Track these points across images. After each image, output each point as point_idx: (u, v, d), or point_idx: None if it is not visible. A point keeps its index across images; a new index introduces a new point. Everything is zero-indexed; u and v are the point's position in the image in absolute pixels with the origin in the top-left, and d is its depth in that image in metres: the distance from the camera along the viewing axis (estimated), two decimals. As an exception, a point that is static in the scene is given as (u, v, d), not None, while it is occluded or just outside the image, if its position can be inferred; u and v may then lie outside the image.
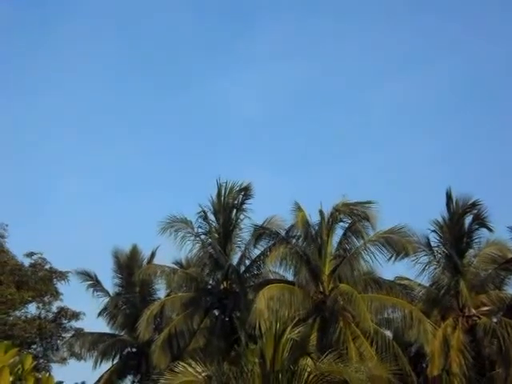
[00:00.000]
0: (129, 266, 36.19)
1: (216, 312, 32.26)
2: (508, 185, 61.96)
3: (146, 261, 36.49)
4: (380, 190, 69.82)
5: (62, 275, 37.13)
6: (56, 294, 37.23)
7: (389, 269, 30.95)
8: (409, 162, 74.59)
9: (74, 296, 42.80)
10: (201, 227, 32.50)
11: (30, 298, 36.02)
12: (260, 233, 30.50)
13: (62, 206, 72.20)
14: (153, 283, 35.76)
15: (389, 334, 28.50)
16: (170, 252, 35.54)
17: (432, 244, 29.91)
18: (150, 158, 78.80)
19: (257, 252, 31.55)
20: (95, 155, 77.01)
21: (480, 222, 29.19)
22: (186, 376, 20.08)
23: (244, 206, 32.67)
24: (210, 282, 32.89)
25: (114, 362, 35.37)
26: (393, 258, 28.46)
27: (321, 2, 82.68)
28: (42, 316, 37.08)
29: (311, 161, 77.34)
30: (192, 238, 32.09)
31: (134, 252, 36.69)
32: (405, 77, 79.44)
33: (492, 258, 29.71)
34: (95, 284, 36.23)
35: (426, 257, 29.54)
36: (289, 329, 19.97)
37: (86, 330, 36.77)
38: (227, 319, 31.66)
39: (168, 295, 34.06)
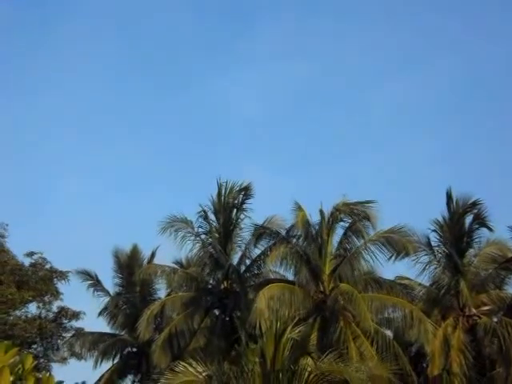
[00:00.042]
0: (129, 265, 36.21)
1: (216, 312, 32.27)
2: (508, 185, 61.98)
3: (146, 260, 36.51)
4: (380, 190, 69.94)
5: (63, 275, 37.12)
6: (56, 294, 37.22)
7: (389, 268, 31.06)
8: (409, 161, 74.68)
9: (74, 296, 42.86)
10: (201, 227, 32.54)
11: (30, 298, 36.01)
12: (260, 232, 30.51)
13: (62, 205, 72.27)
14: (153, 283, 35.79)
15: (389, 333, 28.49)
16: (170, 252, 35.58)
17: (432, 244, 29.92)
18: (150, 157, 78.88)
19: (257, 252, 31.61)
20: (95, 155, 77.08)
21: (480, 221, 29.19)
22: (186, 376, 20.08)
23: (244, 206, 32.69)
24: (211, 281, 32.89)
25: (115, 361, 35.40)
26: (393, 258, 28.48)
27: (321, 2, 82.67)
28: (43, 316, 37.07)
29: (311, 161, 77.39)
30: (192, 237, 32.11)
31: (135, 252, 36.71)
32: (405, 77, 79.50)
33: (492, 257, 29.72)
34: (95, 284, 36.24)
35: (426, 256, 29.56)
36: (289, 328, 19.97)
37: (87, 329, 36.79)
38: (228, 319, 31.66)
39: (168, 295, 34.07)
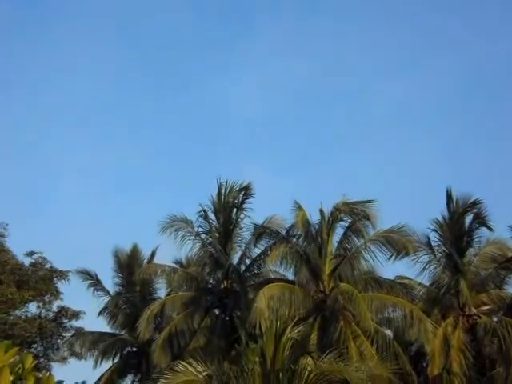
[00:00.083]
0: (129, 265, 36.20)
1: (216, 311, 32.27)
2: (508, 185, 61.97)
3: (146, 260, 36.50)
4: (380, 190, 69.98)
5: (63, 274, 37.12)
6: (56, 294, 37.22)
7: (389, 268, 31.06)
8: (409, 161, 74.70)
9: (74, 295, 42.88)
10: (201, 226, 32.54)
11: (30, 298, 36.00)
12: (260, 232, 30.51)
13: (62, 205, 72.30)
14: (153, 282, 35.78)
15: (389, 333, 28.49)
16: (170, 251, 35.54)
17: (432, 243, 29.91)
18: (150, 157, 78.90)
19: (257, 251, 31.59)
20: (95, 155, 77.10)
21: (480, 220, 29.18)
22: (186, 375, 20.08)
23: (244, 206, 32.68)
24: (211, 281, 32.89)
25: (115, 361, 35.40)
26: (393, 257, 28.48)
27: (321, 2, 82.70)
28: (43, 315, 37.06)
29: (311, 161, 77.46)
30: (192, 237, 32.10)
31: (135, 251, 36.69)
32: (405, 77, 79.53)
33: (492, 257, 29.72)
34: (95, 283, 36.23)
35: (426, 256, 29.55)
36: (289, 328, 19.97)
37: (87, 329, 36.79)
38: (228, 318, 31.66)
39: (168, 294, 34.07)
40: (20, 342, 32.79)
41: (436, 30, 79.73)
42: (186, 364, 20.39)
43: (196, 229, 32.29)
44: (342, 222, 29.22)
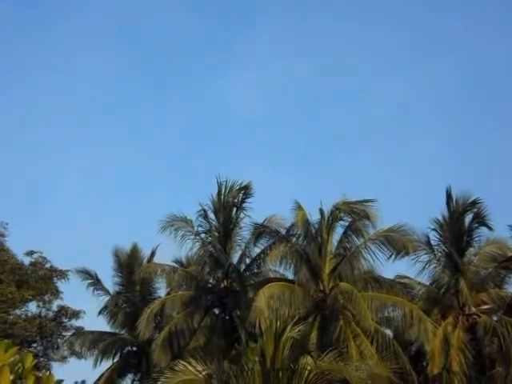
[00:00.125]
0: (129, 264, 36.18)
1: (216, 310, 32.26)
2: (508, 185, 62.01)
3: (146, 259, 36.48)
4: (380, 190, 70.02)
5: (62, 274, 37.13)
6: (56, 293, 37.23)
7: (389, 267, 30.99)
8: (409, 161, 74.75)
9: (74, 295, 42.89)
10: (201, 226, 32.52)
11: (30, 297, 36.01)
12: (260, 231, 30.50)
13: (62, 205, 72.38)
14: (153, 282, 35.76)
15: (389, 332, 28.49)
16: (170, 251, 35.53)
17: (432, 242, 29.90)
18: (150, 157, 78.92)
19: (257, 250, 31.57)
20: (95, 155, 77.16)
21: (480, 220, 29.17)
22: (186, 375, 20.08)
23: (244, 205, 32.67)
24: (211, 280, 32.88)
25: (115, 360, 35.39)
26: (393, 257, 28.48)
27: (321, 2, 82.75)
28: (43, 315, 37.08)
29: (311, 160, 77.51)
30: (192, 236, 32.10)
31: (135, 251, 36.68)
32: (405, 76, 79.61)
33: (492, 256, 29.70)
34: (95, 283, 36.21)
35: (426, 255, 29.53)
36: (289, 327, 19.96)
37: (87, 328, 36.80)
38: (227, 318, 31.66)
39: (168, 294, 34.07)
40: (20, 341, 32.82)
41: (436, 29, 79.84)
42: (185, 363, 20.38)
43: (196, 228, 32.31)
44: (341, 222, 29.23)
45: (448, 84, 79.59)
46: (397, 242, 28.10)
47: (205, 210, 32.39)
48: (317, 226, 28.94)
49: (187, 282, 32.24)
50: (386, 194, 62.49)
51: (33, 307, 37.15)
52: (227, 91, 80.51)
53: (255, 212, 32.34)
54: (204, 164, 73.56)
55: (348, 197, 28.84)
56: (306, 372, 19.19)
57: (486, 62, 77.68)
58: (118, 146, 78.68)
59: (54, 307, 37.64)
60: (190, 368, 20.12)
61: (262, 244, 30.76)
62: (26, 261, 37.00)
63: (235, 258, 32.25)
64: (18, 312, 36.25)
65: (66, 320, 37.46)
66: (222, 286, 31.98)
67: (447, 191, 29.97)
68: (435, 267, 29.56)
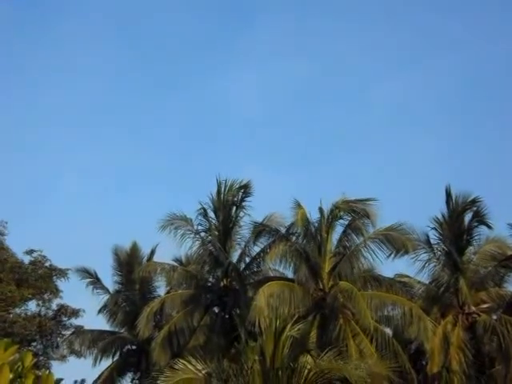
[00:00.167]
0: (129, 263, 36.20)
1: (216, 309, 32.28)
2: (508, 185, 62.04)
3: (145, 258, 36.51)
4: (380, 190, 70.10)
5: (62, 273, 37.11)
6: (56, 292, 37.21)
7: (388, 266, 31.04)
8: (409, 161, 74.79)
9: (73, 293, 42.93)
10: (201, 225, 32.53)
11: (29, 296, 36.01)
12: (260, 230, 30.49)
13: (62, 205, 72.40)
14: (153, 280, 35.79)
15: (389, 331, 28.51)
16: (169, 249, 35.57)
17: (432, 241, 29.91)
18: (150, 157, 78.97)
19: (257, 249, 31.57)
20: (95, 155, 77.19)
21: (479, 219, 29.17)
22: (185, 373, 20.10)
23: (244, 204, 32.67)
24: (210, 279, 32.90)
25: (114, 359, 35.40)
26: (392, 256, 28.49)
27: (321, 2, 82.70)
28: (42, 313, 37.06)
29: (311, 160, 77.58)
30: (192, 235, 32.11)
31: (134, 249, 36.69)
32: (405, 76, 79.62)
33: (492, 255, 29.71)
34: (95, 281, 36.23)
35: (425, 254, 29.54)
36: (289, 326, 20.00)
37: (86, 327, 36.81)
38: (227, 316, 31.66)
39: (168, 292, 34.06)
40: (20, 340, 32.80)
41: (436, 29, 79.80)
42: (185, 362, 20.42)
43: (195, 227, 32.32)
44: (341, 220, 29.23)
45: (448, 84, 79.68)
46: (396, 241, 28.10)
47: (204, 209, 32.41)
48: (316, 224, 28.94)
49: (187, 280, 32.25)
50: (386, 194, 62.56)
51: (32, 306, 37.20)
52: (227, 91, 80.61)
53: (255, 211, 32.40)
54: (204, 164, 73.67)
55: (347, 195, 28.87)
56: (306, 371, 19.23)
57: (486, 62, 77.77)
58: (118, 146, 78.81)
59: (54, 306, 37.66)
60: (189, 367, 20.16)
61: (262, 243, 30.78)
62: (26, 260, 37.03)
63: (235, 257, 32.29)
64: (17, 311, 36.25)
65: (65, 319, 37.45)
66: (222, 284, 31.99)
67: (447, 190, 29.98)
68: (435, 266, 29.58)
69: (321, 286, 28.28)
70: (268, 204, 46.52)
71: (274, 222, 31.07)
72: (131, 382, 35.93)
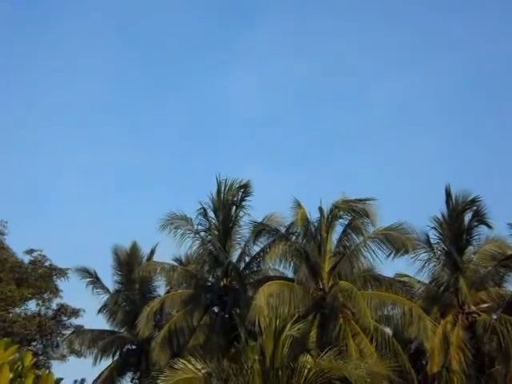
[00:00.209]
0: (128, 262, 36.19)
1: (216, 309, 32.28)
2: (508, 185, 62.06)
3: (145, 258, 36.50)
4: (380, 189, 70.10)
5: (62, 272, 37.11)
6: (56, 291, 37.22)
7: (388, 266, 31.04)
8: (409, 161, 74.81)
9: (73, 293, 42.92)
10: (200, 224, 32.52)
11: (29, 295, 36.01)
12: (260, 230, 30.48)
13: (62, 205, 72.52)
14: (152, 280, 35.77)
15: (388, 330, 28.50)
16: (169, 249, 35.60)
17: (431, 241, 29.90)
18: (150, 157, 79.01)
19: (256, 249, 31.56)
20: (95, 155, 77.22)
21: (479, 218, 29.17)
22: (185, 373, 20.11)
23: (244, 203, 32.66)
24: (210, 278, 32.89)
25: (114, 358, 35.40)
26: (392, 255, 28.47)
27: (321, 2, 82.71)
28: (42, 313, 37.06)
29: (311, 160, 77.62)
30: (192, 235, 32.10)
31: (134, 249, 36.68)
32: (405, 76, 79.67)
33: (491, 254, 29.70)
34: (95, 281, 36.22)
35: (425, 254, 29.54)
36: (288, 325, 20.01)
37: (86, 327, 36.81)
38: (227, 316, 31.66)
39: (168, 292, 34.06)
40: (19, 339, 32.81)
41: (436, 29, 79.87)
42: (185, 361, 20.43)
43: (195, 226, 32.31)
44: (341, 220, 29.22)
45: (448, 84, 79.72)
46: (396, 241, 28.09)
47: (204, 209, 32.41)
48: (316, 224, 28.93)
49: (187, 280, 32.24)
50: (386, 194, 62.62)
51: (32, 305, 37.20)
52: (227, 91, 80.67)
53: (255, 210, 32.40)
54: (204, 164, 73.71)
55: (347, 195, 28.87)
56: (306, 370, 19.24)
57: (486, 62, 77.80)
58: (118, 146, 78.89)
59: (54, 305, 37.66)
60: (189, 366, 20.16)
61: (262, 242, 30.76)
62: (26, 259, 37.04)
63: (235, 257, 32.29)
64: (17, 310, 36.25)
65: (65, 318, 37.45)
66: (222, 284, 31.98)
67: (447, 189, 29.97)
68: (435, 265, 29.58)
69: (321, 286, 28.27)
70: (268, 204, 46.62)
71: (273, 222, 31.07)
72: (131, 381, 35.94)
